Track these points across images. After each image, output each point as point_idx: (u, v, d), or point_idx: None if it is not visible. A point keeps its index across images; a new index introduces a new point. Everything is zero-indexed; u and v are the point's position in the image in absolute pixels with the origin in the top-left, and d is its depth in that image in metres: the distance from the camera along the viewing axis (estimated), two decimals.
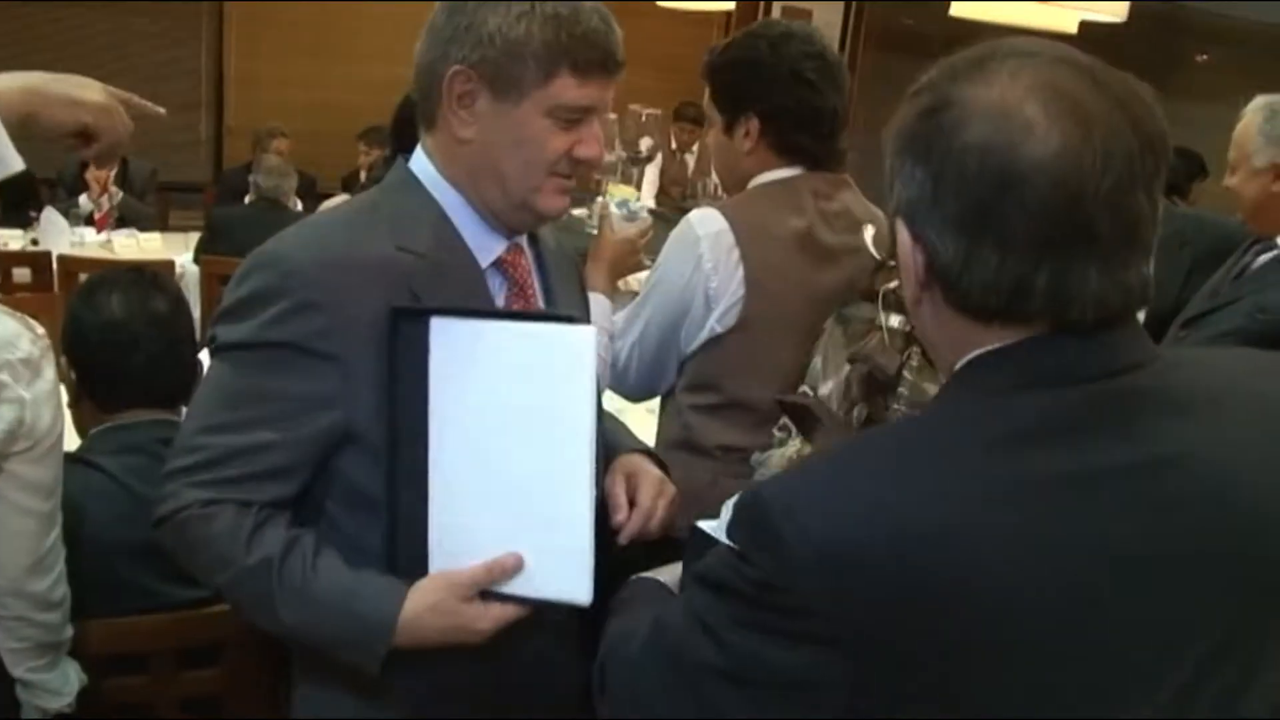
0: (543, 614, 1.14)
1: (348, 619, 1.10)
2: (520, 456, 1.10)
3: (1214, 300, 2.23)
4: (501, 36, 1.10)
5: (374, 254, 1.13)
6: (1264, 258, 2.20)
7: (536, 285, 1.27)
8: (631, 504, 1.21)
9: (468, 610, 1.10)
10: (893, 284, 1.29)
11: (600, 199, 2.95)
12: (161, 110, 1.31)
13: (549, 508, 1.10)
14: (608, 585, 1.11)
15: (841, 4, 6.32)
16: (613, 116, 3.49)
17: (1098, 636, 0.75)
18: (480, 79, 1.12)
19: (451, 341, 1.11)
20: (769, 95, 1.64)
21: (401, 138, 1.88)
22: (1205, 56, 8.25)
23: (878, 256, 1.30)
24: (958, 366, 0.82)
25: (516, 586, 1.11)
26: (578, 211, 3.67)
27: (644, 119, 3.30)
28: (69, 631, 1.44)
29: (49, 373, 1.33)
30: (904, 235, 0.80)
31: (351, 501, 1.15)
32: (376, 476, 1.13)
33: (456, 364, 1.11)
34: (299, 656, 1.26)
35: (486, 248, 1.21)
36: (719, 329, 1.65)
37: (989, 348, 0.79)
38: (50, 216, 4.32)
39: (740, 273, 1.63)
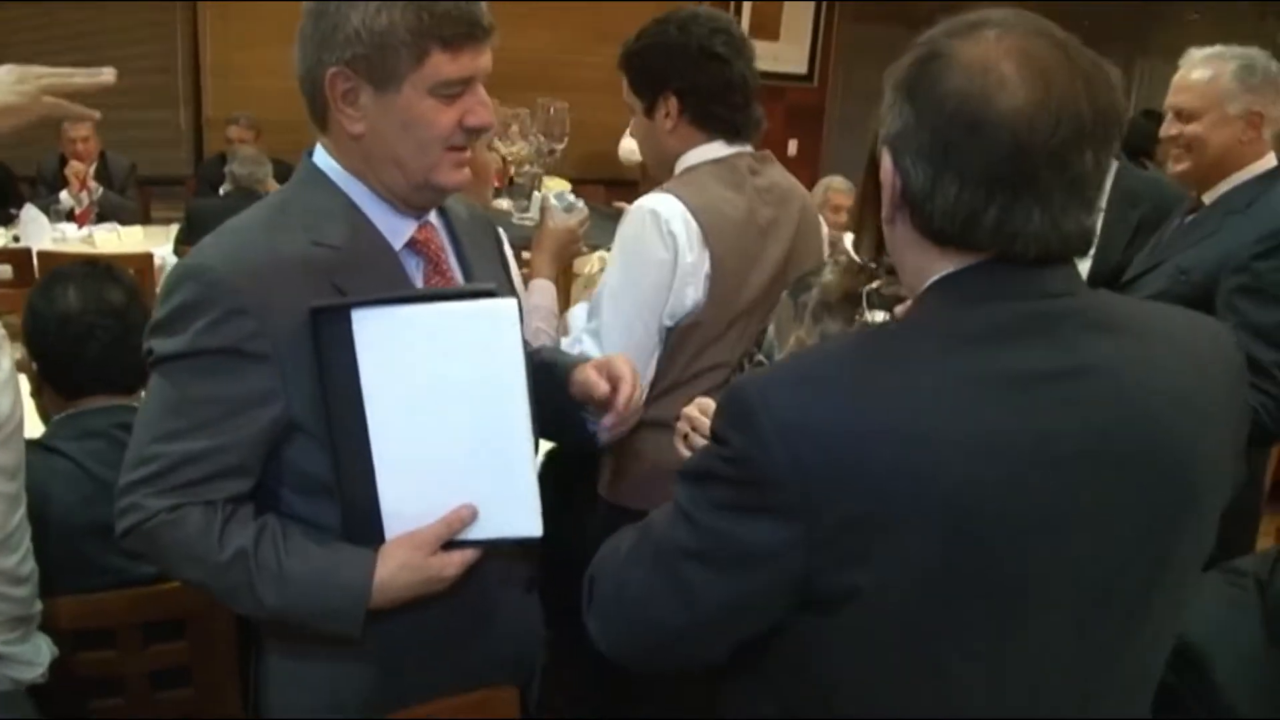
0: (489, 569, 1.25)
1: (327, 591, 1.18)
2: (460, 422, 1.19)
3: (1149, 260, 2.28)
4: (367, 31, 1.13)
5: (292, 253, 1.18)
6: (1188, 219, 2.25)
7: (451, 258, 1.33)
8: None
9: (434, 562, 1.20)
10: (874, 284, 1.36)
11: (539, 193, 3.08)
12: (107, 78, 1.34)
13: (493, 460, 1.20)
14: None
15: None
16: (525, 110, 3.58)
17: (1028, 521, 0.87)
18: (358, 75, 1.16)
19: (376, 330, 1.17)
20: (683, 73, 1.73)
21: None
22: (1197, 16, 8.25)
23: (858, 260, 1.37)
24: (920, 290, 0.95)
25: (473, 533, 1.22)
26: (504, 204, 3.78)
27: (552, 111, 3.40)
28: (38, 606, 1.53)
29: (4, 362, 1.41)
30: (887, 161, 0.93)
31: (305, 488, 1.22)
32: (324, 461, 1.20)
33: (384, 350, 1.17)
34: (266, 630, 1.33)
35: (398, 230, 1.26)
36: (690, 307, 1.72)
37: (945, 271, 0.92)
38: (31, 214, 4.39)
39: (707, 253, 1.71)
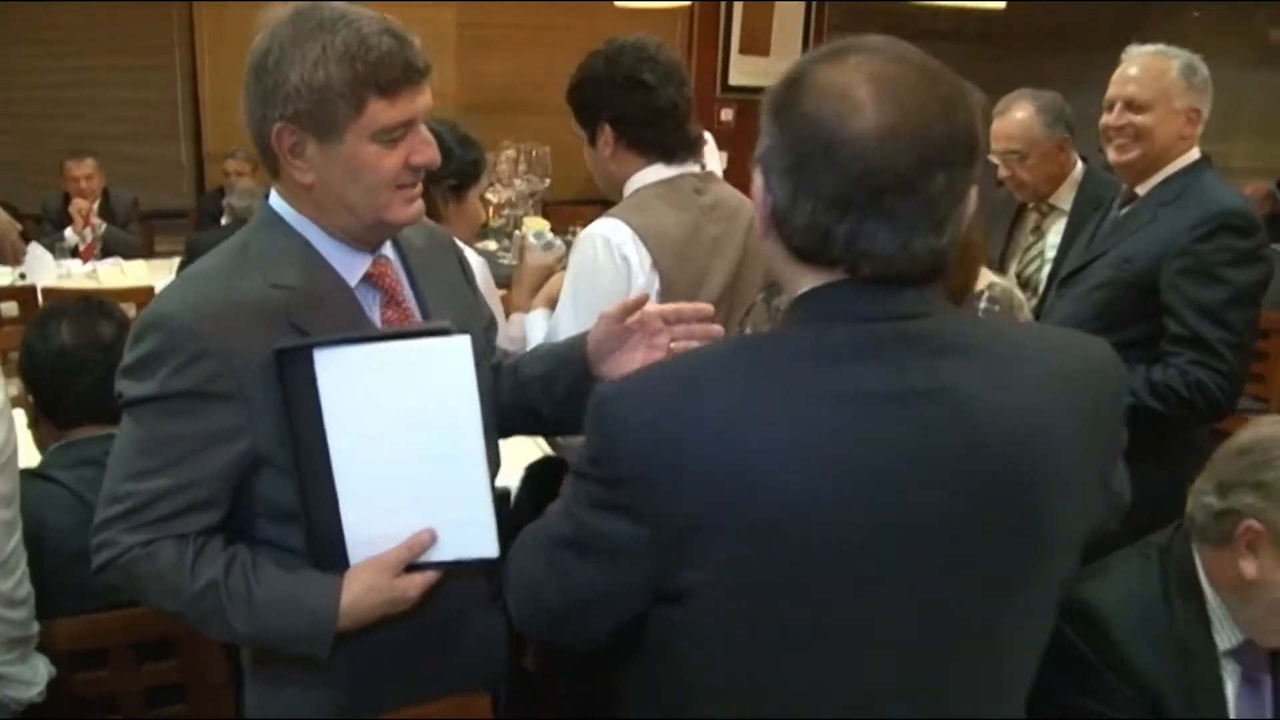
0: (451, 587, 1.31)
1: (295, 617, 1.25)
2: (418, 451, 1.26)
3: (1087, 254, 2.36)
4: (306, 86, 1.19)
5: (250, 296, 1.24)
6: (1126, 209, 2.33)
7: (407, 290, 1.39)
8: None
9: (398, 584, 1.27)
10: None
11: (518, 232, 3.22)
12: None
13: (451, 486, 1.27)
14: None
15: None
16: (511, 153, 3.70)
17: (856, 534, 0.92)
18: (302, 129, 1.21)
19: (337, 368, 1.24)
20: (613, 102, 1.84)
21: None
22: (1199, 14, 8.30)
23: None
24: (790, 303, 1.01)
25: (434, 555, 1.30)
26: (491, 245, 3.91)
27: (534, 154, 3.54)
28: (35, 627, 1.61)
29: None
30: (758, 179, 0.98)
31: (276, 515, 1.29)
32: (292, 491, 1.26)
33: (345, 386, 1.25)
34: (245, 653, 1.42)
35: (352, 267, 1.32)
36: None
37: (807, 287, 0.98)
38: (35, 252, 4.50)
39: (657, 274, 1.81)
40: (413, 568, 1.29)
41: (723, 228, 1.90)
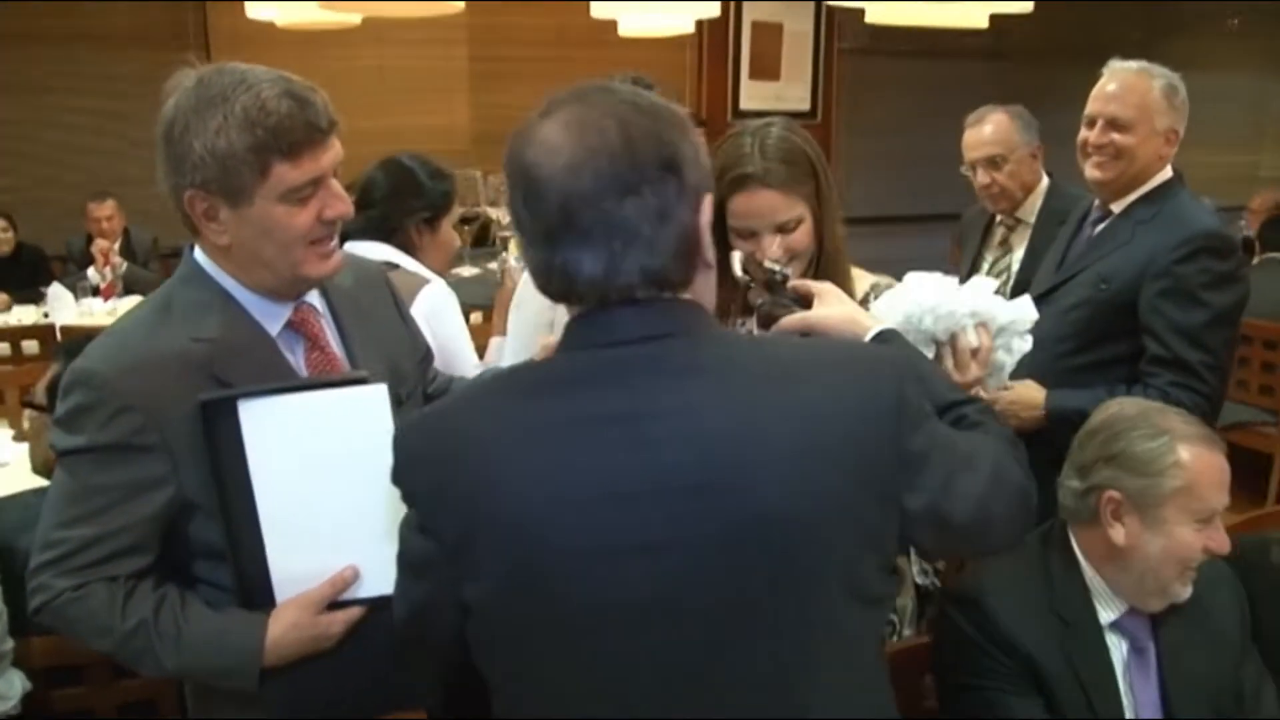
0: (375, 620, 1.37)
1: (222, 654, 1.33)
2: (340, 493, 1.34)
3: (1060, 274, 2.37)
4: (210, 154, 1.24)
5: (171, 351, 1.31)
6: (1100, 227, 2.34)
7: (331, 335, 1.45)
8: None
9: (321, 621, 1.35)
10: (759, 301, 1.49)
11: (504, 254, 3.32)
12: None
13: (373, 525, 1.34)
14: None
15: (812, 12, 6.47)
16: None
17: (592, 551, 0.98)
18: (211, 195, 1.27)
19: (260, 417, 1.31)
20: None
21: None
22: (1237, 20, 8.23)
23: (740, 277, 1.50)
24: None
25: (358, 592, 1.38)
26: (491, 265, 4.01)
27: (470, 179, 3.64)
28: (9, 643, 1.71)
29: None
30: None
31: (209, 555, 1.36)
32: (220, 534, 1.33)
33: (269, 434, 1.32)
34: (187, 684, 1.50)
35: (273, 316, 1.39)
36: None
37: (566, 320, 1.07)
38: (56, 291, 4.70)
39: None
40: (337, 605, 1.36)
41: None
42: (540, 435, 1.00)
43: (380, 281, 1.63)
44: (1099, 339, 2.23)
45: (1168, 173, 2.28)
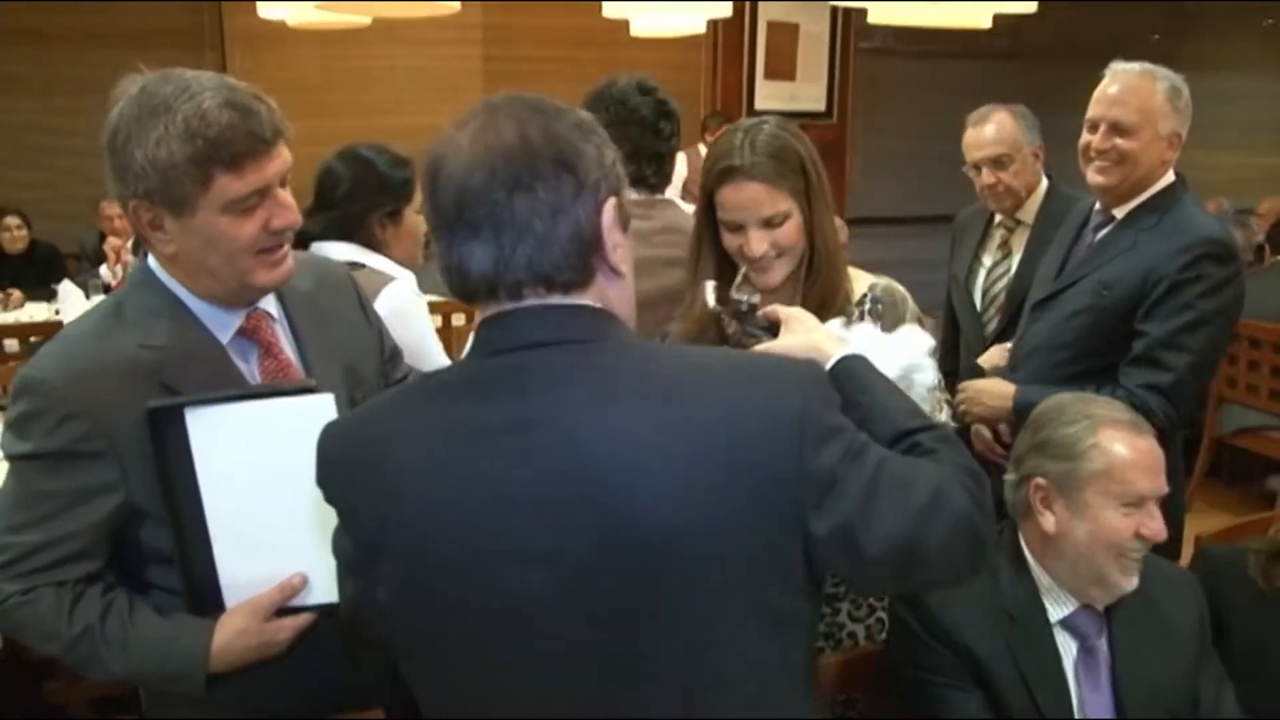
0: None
1: (168, 660, 1.34)
2: (288, 501, 1.34)
3: (1061, 280, 2.33)
4: (151, 165, 1.23)
5: (119, 358, 1.30)
6: (1102, 233, 2.30)
7: (285, 341, 1.44)
8: None
9: (268, 627, 1.36)
10: (730, 329, 1.53)
11: None
12: None
13: (321, 533, 1.29)
14: None
15: (828, 12, 6.45)
16: None
17: (479, 559, 0.99)
18: (155, 205, 1.26)
19: (208, 425, 1.32)
20: None
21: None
22: (1271, 21, 8.14)
23: (712, 306, 1.51)
24: None
25: (306, 599, 1.38)
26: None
27: None
28: None
29: None
30: None
31: (159, 559, 1.37)
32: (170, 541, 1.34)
33: (217, 442, 1.32)
34: (143, 686, 1.50)
35: (225, 324, 1.38)
36: None
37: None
38: (67, 289, 4.75)
39: None
40: (286, 611, 1.36)
41: (661, 251, 2.03)
42: (439, 441, 1.02)
43: (344, 282, 1.62)
44: (1100, 346, 2.19)
45: (1170, 177, 2.24)
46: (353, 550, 1.08)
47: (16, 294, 5.10)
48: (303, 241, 1.98)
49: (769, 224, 1.59)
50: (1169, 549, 2.12)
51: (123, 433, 1.29)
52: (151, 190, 1.25)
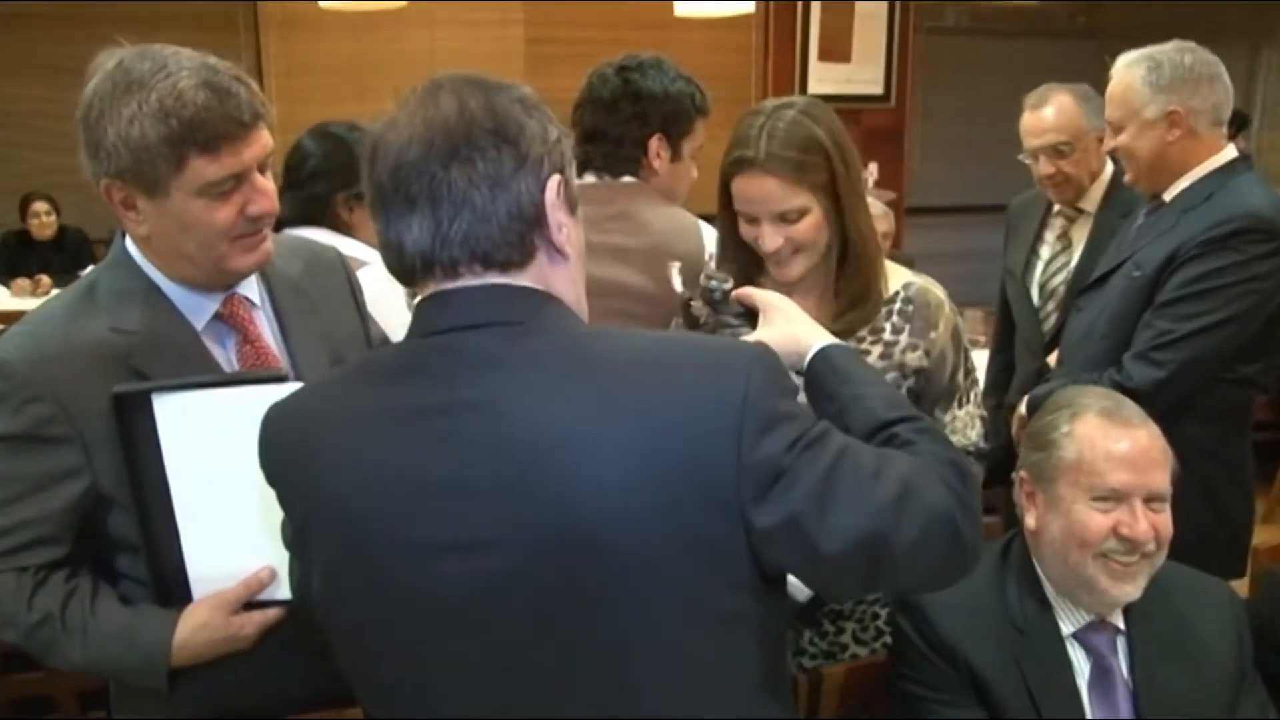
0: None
1: (129, 652, 1.34)
2: (257, 491, 1.28)
3: (1102, 268, 2.33)
4: (123, 144, 1.22)
5: (88, 340, 1.31)
6: (1145, 218, 2.28)
7: (265, 328, 1.45)
8: None
9: (234, 621, 1.36)
10: (703, 317, 1.51)
11: None
12: None
13: None
14: None
15: None
16: None
17: (406, 544, 1.00)
18: (128, 184, 1.26)
19: (175, 412, 1.32)
20: None
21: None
22: None
23: (678, 291, 1.51)
24: None
25: (275, 593, 1.38)
26: None
27: None
28: None
29: None
30: None
31: (127, 548, 1.38)
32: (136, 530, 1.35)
33: (185, 429, 1.33)
34: (112, 681, 1.51)
35: (200, 309, 1.39)
36: None
37: None
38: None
39: None
40: (254, 606, 1.37)
41: (615, 239, 2.01)
42: (366, 425, 1.02)
43: (335, 268, 1.62)
44: (1131, 333, 2.17)
45: (1226, 156, 2.18)
46: (290, 534, 1.11)
47: (45, 280, 5.20)
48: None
49: (784, 219, 1.57)
50: (1227, 563, 2.06)
51: (89, 417, 1.30)
52: (124, 169, 1.25)
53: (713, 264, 1.57)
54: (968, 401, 1.70)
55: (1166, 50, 2.19)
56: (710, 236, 1.94)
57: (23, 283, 5.36)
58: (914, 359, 1.65)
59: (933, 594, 1.50)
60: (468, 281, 1.02)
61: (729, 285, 1.47)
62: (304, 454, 1.05)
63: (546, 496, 0.96)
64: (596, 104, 2.09)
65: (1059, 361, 2.43)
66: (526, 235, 1.02)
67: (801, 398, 1.19)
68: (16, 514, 1.32)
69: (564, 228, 1.05)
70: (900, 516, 0.99)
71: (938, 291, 1.70)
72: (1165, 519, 1.48)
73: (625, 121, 2.08)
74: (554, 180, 1.03)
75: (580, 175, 2.08)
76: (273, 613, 1.38)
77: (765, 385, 0.99)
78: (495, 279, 1.02)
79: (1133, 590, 1.48)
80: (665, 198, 2.13)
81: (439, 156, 0.99)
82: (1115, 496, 1.46)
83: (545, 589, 0.97)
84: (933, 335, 1.66)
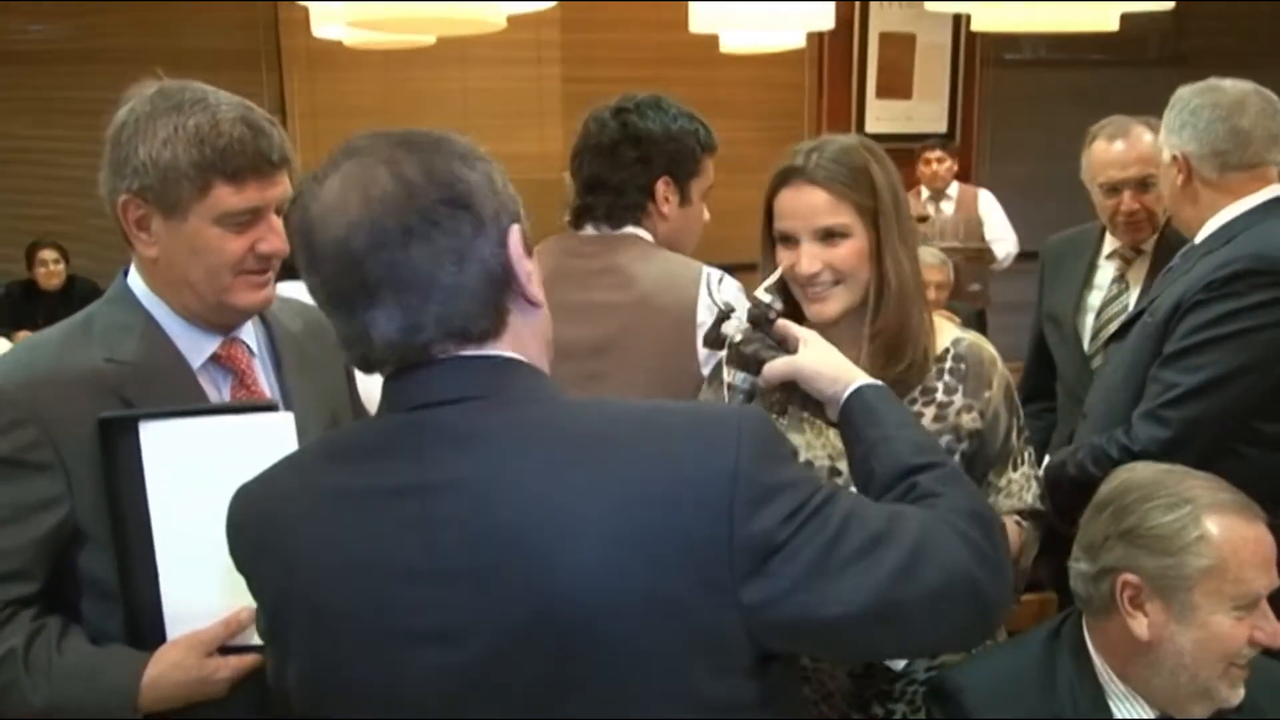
0: None
1: (92, 691, 1.32)
2: None
3: (1130, 315, 2.32)
4: (153, 163, 1.32)
5: (81, 368, 1.36)
6: (1177, 260, 2.25)
7: (261, 374, 1.51)
8: None
9: (208, 664, 1.34)
10: (738, 338, 1.50)
11: None
12: None
13: None
14: None
15: (950, 19, 6.34)
16: None
17: (377, 634, 0.98)
18: (147, 203, 1.34)
19: (163, 441, 1.34)
20: None
21: None
22: None
23: (721, 304, 1.53)
24: None
25: (251, 638, 1.35)
26: None
27: None
28: None
29: None
30: None
31: (97, 594, 1.37)
32: (111, 568, 1.36)
33: (170, 459, 1.34)
34: None
35: (198, 347, 1.44)
36: None
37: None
38: None
39: None
40: (230, 651, 1.36)
41: (599, 296, 2.01)
42: (334, 506, 1.01)
43: (331, 335, 1.63)
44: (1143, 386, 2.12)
45: (1260, 196, 2.13)
46: (263, 624, 1.09)
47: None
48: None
49: (826, 238, 1.56)
50: None
51: (74, 446, 1.33)
52: (147, 187, 1.33)
53: (762, 288, 1.58)
54: (1022, 463, 1.70)
55: (1193, 88, 2.19)
56: (730, 286, 1.92)
57: (28, 335, 5.47)
58: (969, 420, 1.63)
59: (972, 679, 1.50)
60: (438, 356, 1.01)
61: (780, 307, 1.48)
62: (272, 538, 1.04)
63: (526, 579, 0.94)
64: (595, 150, 2.08)
65: (1083, 416, 2.38)
66: (499, 300, 1.02)
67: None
68: None
69: (531, 275, 1.04)
70: (911, 580, 1.00)
71: (989, 348, 1.69)
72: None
73: (627, 167, 2.06)
74: (514, 231, 1.02)
75: (580, 226, 2.11)
76: (249, 659, 1.36)
77: (756, 454, 0.98)
78: (471, 351, 1.01)
79: (1242, 692, 1.45)
80: (673, 245, 2.11)
81: (392, 239, 0.97)
82: (1254, 601, 1.43)
83: (526, 678, 0.96)
84: (987, 395, 1.65)
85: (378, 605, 0.98)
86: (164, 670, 1.33)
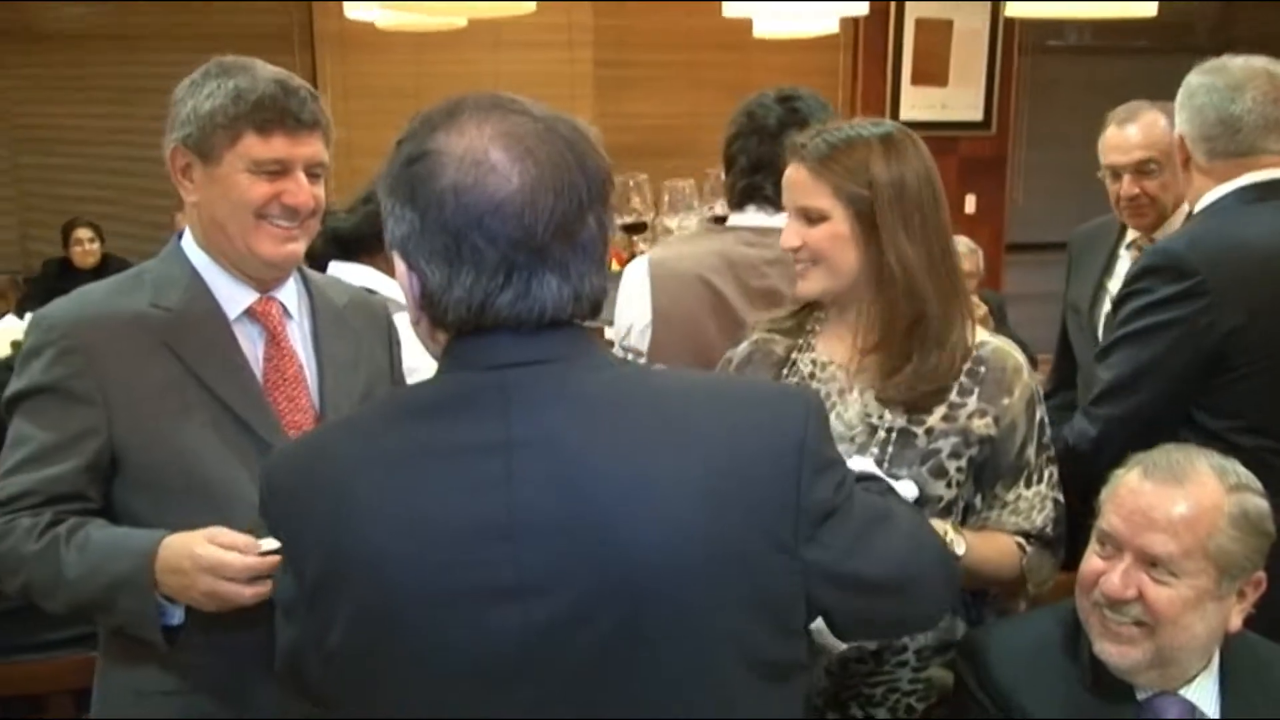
0: None
1: (119, 555, 1.43)
2: None
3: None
4: (196, 114, 1.51)
5: (129, 310, 1.54)
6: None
7: (296, 336, 1.64)
8: None
9: (227, 553, 1.39)
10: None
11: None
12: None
13: None
14: None
15: (988, 5, 6.24)
16: (644, 176, 3.85)
17: (442, 592, 0.99)
18: (190, 151, 1.53)
19: None
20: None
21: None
22: None
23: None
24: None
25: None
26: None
27: (631, 184, 3.67)
28: None
29: None
30: (401, 265, 1.06)
31: (131, 525, 1.49)
32: (144, 501, 1.51)
33: None
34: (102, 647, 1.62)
35: (235, 299, 1.59)
36: (634, 345, 2.19)
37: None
38: None
39: (649, 301, 2.17)
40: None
41: (782, 284, 2.02)
42: (400, 465, 1.02)
43: (380, 319, 1.79)
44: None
45: (1226, 187, 2.11)
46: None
47: None
48: (321, 262, 2.27)
49: (805, 217, 1.61)
50: None
51: (112, 380, 1.49)
52: (189, 136, 1.53)
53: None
54: (1038, 481, 1.66)
55: (1201, 67, 2.18)
56: None
57: None
58: (981, 425, 1.61)
59: (994, 638, 1.58)
60: (576, 324, 1.06)
61: None
62: (319, 499, 1.04)
63: (605, 538, 0.98)
64: (762, 133, 2.16)
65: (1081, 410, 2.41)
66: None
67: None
68: (43, 472, 1.47)
69: None
70: (916, 554, 1.18)
71: (1016, 355, 1.66)
72: (1160, 592, 1.44)
73: None
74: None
75: (742, 208, 2.20)
76: (264, 584, 1.38)
77: (819, 429, 1.08)
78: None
79: (1119, 654, 1.46)
80: None
81: (576, 216, 1.01)
82: (1110, 542, 1.48)
83: (603, 633, 0.99)
84: (1005, 402, 1.62)
85: (449, 563, 0.99)
86: (188, 538, 1.41)
